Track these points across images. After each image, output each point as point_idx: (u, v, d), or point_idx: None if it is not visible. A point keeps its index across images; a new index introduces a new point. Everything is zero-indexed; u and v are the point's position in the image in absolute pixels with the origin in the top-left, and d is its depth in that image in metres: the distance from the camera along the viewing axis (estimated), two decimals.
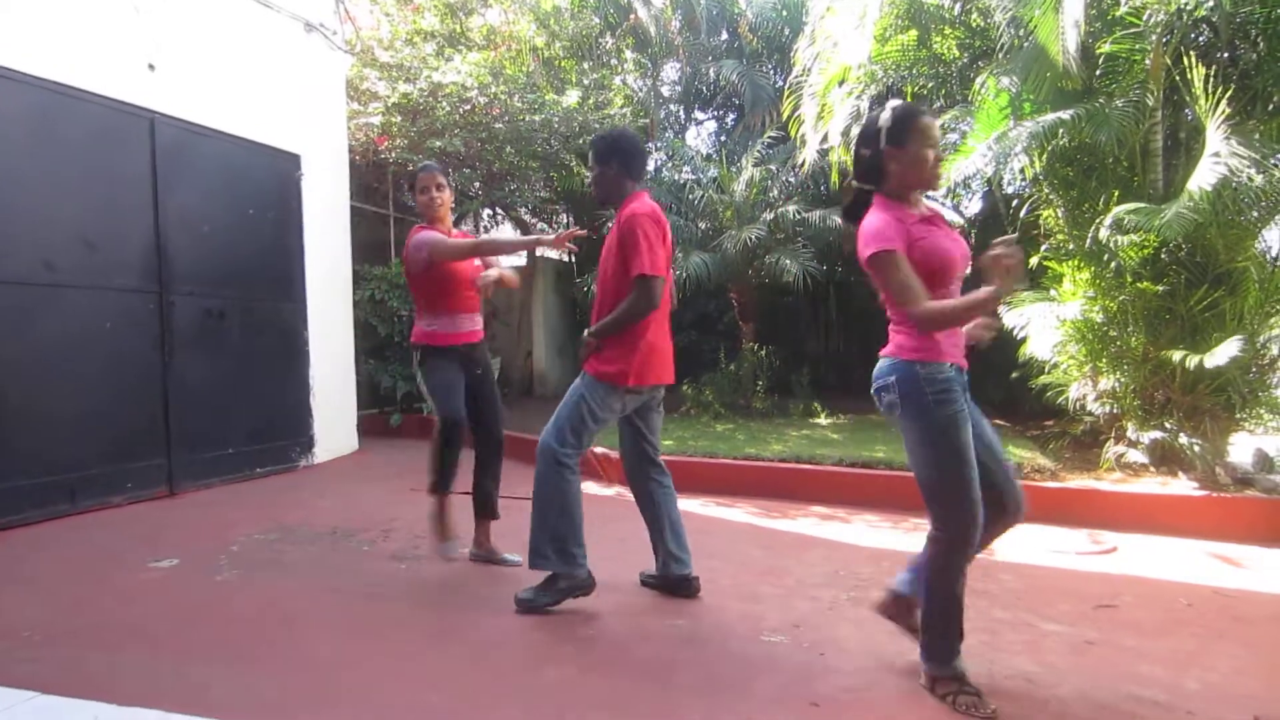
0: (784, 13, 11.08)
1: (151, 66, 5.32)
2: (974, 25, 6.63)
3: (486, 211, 10.45)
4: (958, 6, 6.66)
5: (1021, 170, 5.65)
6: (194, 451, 5.66)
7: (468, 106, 8.55)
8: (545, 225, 11.51)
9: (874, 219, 2.44)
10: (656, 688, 2.61)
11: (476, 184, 9.32)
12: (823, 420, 8.19)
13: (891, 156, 2.46)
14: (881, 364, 2.51)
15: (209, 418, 5.78)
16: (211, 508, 5.19)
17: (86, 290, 5.02)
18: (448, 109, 8.33)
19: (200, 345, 5.73)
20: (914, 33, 6.68)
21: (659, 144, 11.70)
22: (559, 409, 3.33)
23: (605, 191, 3.47)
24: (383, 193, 9.35)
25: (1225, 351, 4.50)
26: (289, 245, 6.55)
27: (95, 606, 3.36)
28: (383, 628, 3.15)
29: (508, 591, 3.36)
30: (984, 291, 2.23)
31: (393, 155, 8.46)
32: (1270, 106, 5.18)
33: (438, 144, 8.06)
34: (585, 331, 3.38)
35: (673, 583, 3.51)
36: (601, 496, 5.68)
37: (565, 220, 11.77)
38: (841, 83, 6.80)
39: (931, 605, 2.50)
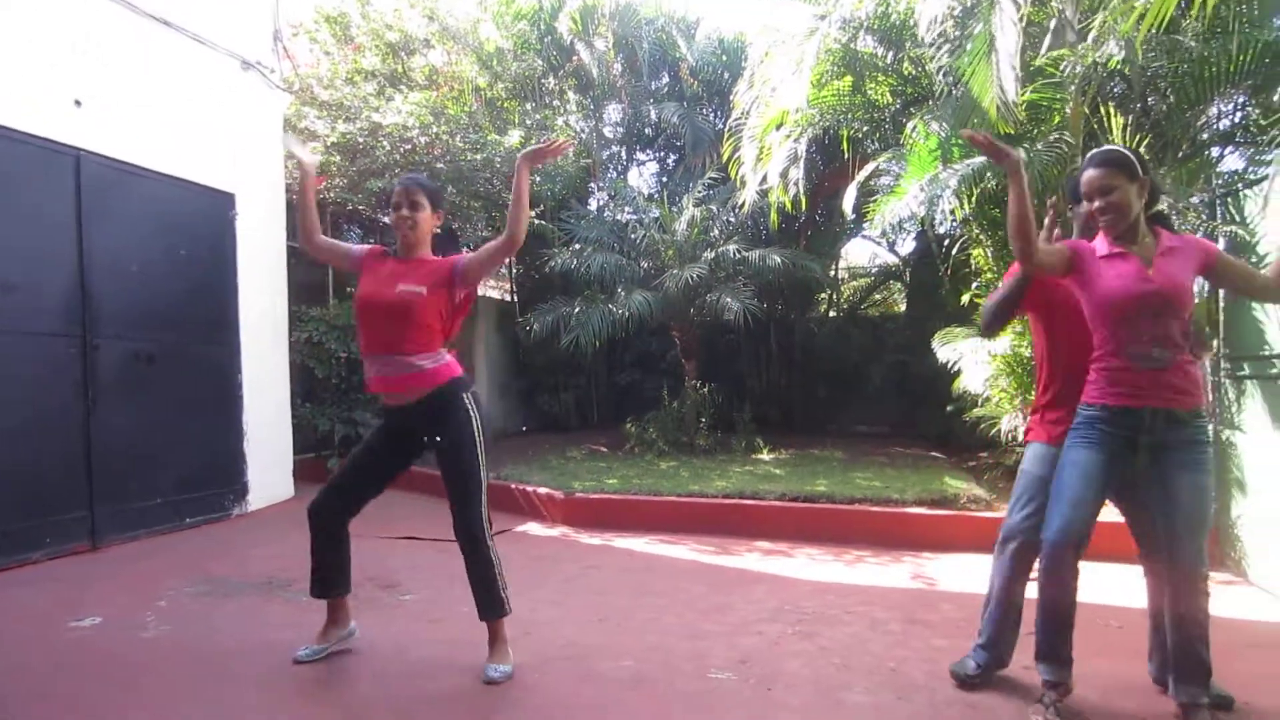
0: (724, 58, 11.37)
1: (78, 103, 5.18)
2: (906, 73, 6.89)
3: None
4: (890, 55, 6.91)
5: (952, 211, 5.83)
6: (119, 502, 5.38)
7: (408, 146, 8.51)
8: None
9: None
10: None
11: None
12: (765, 456, 8.25)
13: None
14: (1198, 410, 2.55)
15: (135, 467, 5.52)
16: (138, 561, 4.94)
17: (2, 335, 4.77)
18: (388, 148, 8.29)
19: (127, 390, 5.48)
20: (849, 79, 6.91)
21: (601, 184, 11.80)
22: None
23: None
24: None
25: None
26: (222, 286, 6.35)
27: (5, 671, 3.16)
28: (326, 683, 3.04)
29: (439, 648, 3.28)
30: None
31: (331, 195, 8.35)
32: (1179, 154, 5.47)
33: (378, 184, 7.99)
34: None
35: None
36: (545, 538, 5.62)
37: (509, 262, 11.71)
38: (779, 126, 6.98)
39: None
